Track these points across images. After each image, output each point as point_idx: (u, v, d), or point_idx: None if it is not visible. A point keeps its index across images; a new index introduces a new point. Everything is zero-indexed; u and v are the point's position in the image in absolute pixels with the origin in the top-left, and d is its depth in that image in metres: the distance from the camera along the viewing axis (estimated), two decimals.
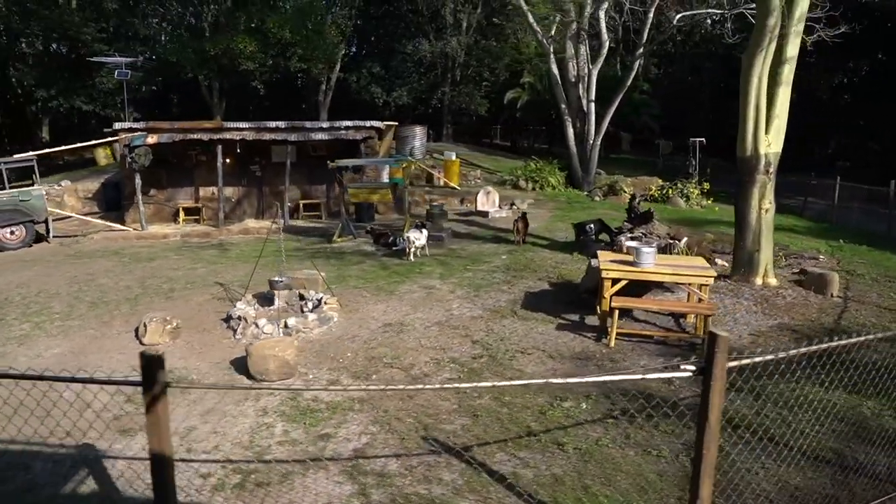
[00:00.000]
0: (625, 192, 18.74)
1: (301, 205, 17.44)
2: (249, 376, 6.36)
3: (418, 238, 11.41)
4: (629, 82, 20.77)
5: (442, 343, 7.39)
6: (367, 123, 17.55)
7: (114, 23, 27.15)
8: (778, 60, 9.04)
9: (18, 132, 29.26)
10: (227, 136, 16.38)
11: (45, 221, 14.39)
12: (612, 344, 7.24)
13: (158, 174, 17.02)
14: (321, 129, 17.22)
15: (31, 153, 14.75)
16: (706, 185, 19.21)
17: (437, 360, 6.92)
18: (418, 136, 22.19)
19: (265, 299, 8.56)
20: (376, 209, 18.18)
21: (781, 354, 3.30)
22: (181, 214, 16.84)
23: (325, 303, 8.34)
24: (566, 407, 5.68)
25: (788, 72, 9.20)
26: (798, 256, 11.50)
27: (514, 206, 16.93)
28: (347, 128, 17.32)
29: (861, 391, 5.54)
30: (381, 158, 16.54)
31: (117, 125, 16.38)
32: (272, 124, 17.47)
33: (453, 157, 21.13)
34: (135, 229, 15.56)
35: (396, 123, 20.07)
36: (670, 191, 18.59)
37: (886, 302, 8.95)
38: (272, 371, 6.31)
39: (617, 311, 7.23)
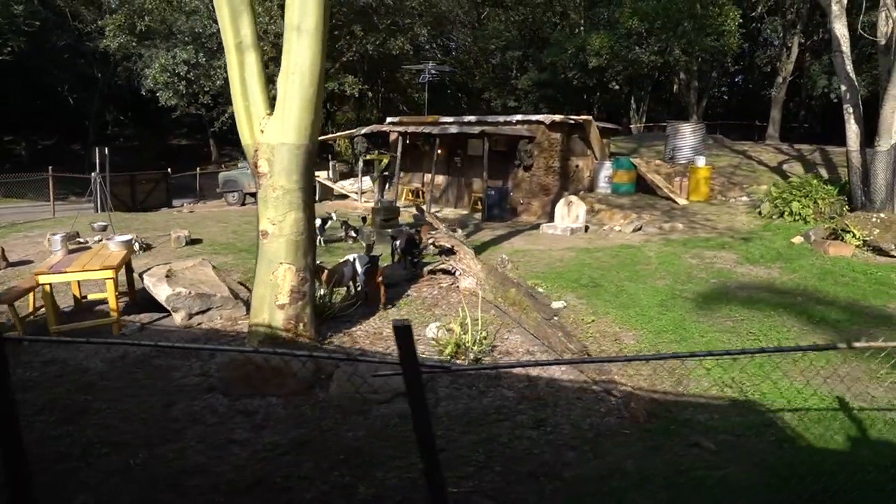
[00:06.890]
0: (854, 235, 10.92)
1: (474, 197, 17.97)
2: None
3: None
4: None
5: None
6: (534, 118, 16.32)
7: None
8: None
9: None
10: (436, 129, 18.66)
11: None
12: None
13: (404, 160, 20.84)
14: (494, 124, 17.06)
15: None
16: None
17: None
18: (684, 136, 17.72)
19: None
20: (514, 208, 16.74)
21: None
22: (405, 194, 20.26)
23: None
24: None
25: (313, 13, 5.54)
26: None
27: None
28: (519, 122, 16.66)
29: None
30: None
31: (389, 119, 20.99)
32: (467, 118, 18.53)
33: (700, 164, 16.33)
34: (355, 200, 20.29)
35: (591, 118, 17.03)
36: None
37: None
38: None
39: None
